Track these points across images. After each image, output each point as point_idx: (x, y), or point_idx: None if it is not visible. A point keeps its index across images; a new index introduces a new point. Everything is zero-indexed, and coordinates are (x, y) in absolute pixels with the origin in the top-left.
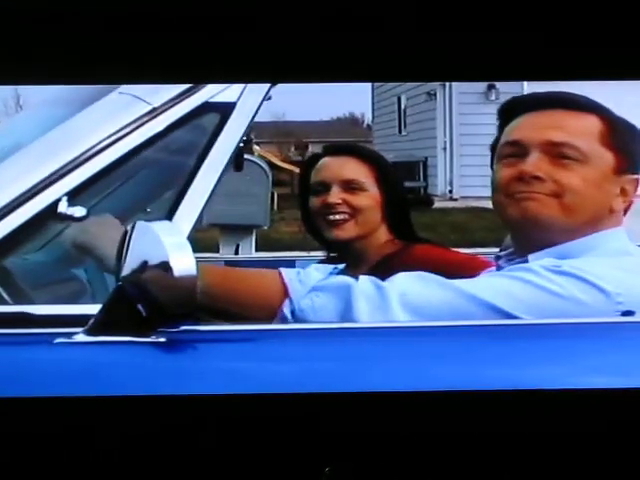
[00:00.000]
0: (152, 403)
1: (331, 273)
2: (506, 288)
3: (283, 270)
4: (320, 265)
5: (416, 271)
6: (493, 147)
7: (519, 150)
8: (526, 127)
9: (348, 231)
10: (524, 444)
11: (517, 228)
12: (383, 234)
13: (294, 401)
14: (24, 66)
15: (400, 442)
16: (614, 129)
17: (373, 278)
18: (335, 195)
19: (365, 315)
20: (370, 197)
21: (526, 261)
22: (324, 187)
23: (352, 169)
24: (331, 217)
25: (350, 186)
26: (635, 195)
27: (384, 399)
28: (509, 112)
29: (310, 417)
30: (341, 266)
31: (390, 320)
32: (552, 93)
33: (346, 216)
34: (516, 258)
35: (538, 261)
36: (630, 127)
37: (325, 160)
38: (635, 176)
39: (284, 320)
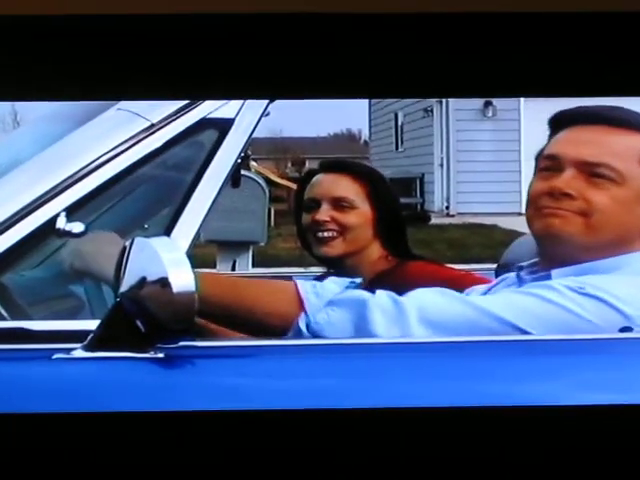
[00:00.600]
0: (150, 419)
1: (348, 287)
2: (527, 306)
3: (299, 282)
4: (338, 278)
5: (418, 287)
6: (537, 157)
7: (555, 165)
8: (565, 142)
9: (336, 248)
10: (527, 461)
11: (541, 243)
12: (376, 251)
13: (290, 417)
14: (24, 82)
15: (399, 458)
16: None
17: (390, 292)
18: (324, 212)
19: (382, 328)
20: (360, 215)
21: (549, 275)
22: (315, 204)
23: (343, 186)
24: (320, 234)
25: (339, 204)
26: None
27: (382, 415)
28: (556, 124)
29: (304, 434)
30: (358, 280)
31: (406, 334)
32: (600, 107)
33: (334, 233)
34: (539, 270)
35: (561, 279)
36: None
37: (318, 177)
38: None
39: (299, 333)
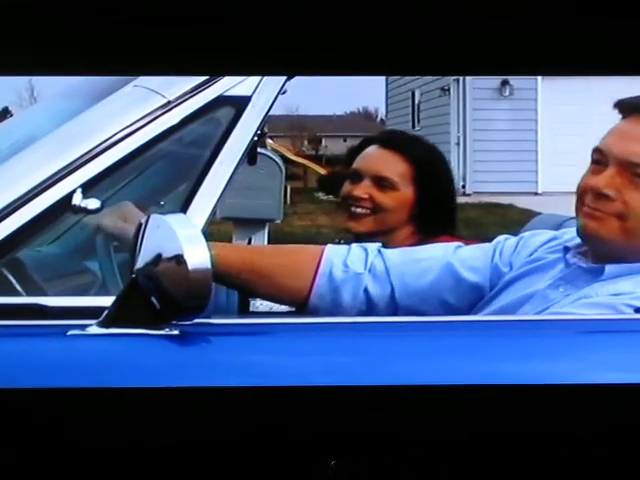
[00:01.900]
0: (162, 395)
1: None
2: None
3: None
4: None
5: None
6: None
7: (602, 159)
8: (616, 135)
9: (364, 225)
10: (533, 439)
11: (582, 239)
12: (405, 231)
13: (301, 394)
14: (42, 56)
15: (405, 436)
16: None
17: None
18: (363, 188)
19: None
20: (398, 198)
21: (602, 269)
22: (358, 177)
23: (390, 166)
24: (352, 208)
25: (381, 183)
26: None
27: (392, 392)
28: (620, 111)
29: (317, 410)
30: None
31: None
32: None
33: (367, 211)
34: (589, 259)
35: (622, 295)
36: None
37: (371, 149)
38: None
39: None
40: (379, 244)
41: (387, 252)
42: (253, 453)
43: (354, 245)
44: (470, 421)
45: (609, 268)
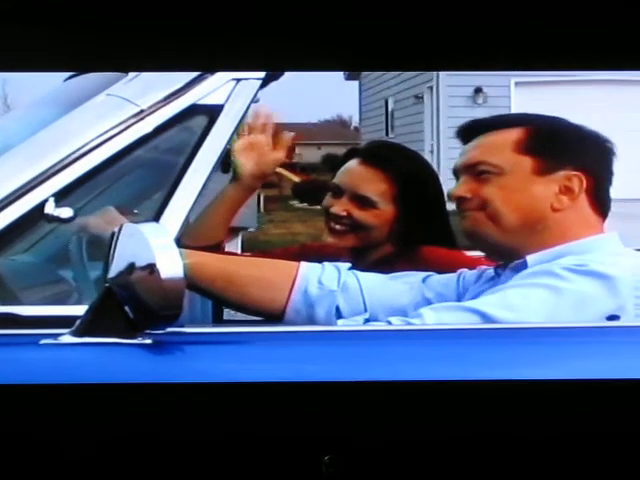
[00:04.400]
0: (150, 390)
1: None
2: (530, 299)
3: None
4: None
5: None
6: None
7: (456, 175)
8: (460, 155)
9: (345, 241)
10: (517, 434)
11: (471, 243)
12: (389, 245)
13: (294, 390)
14: (22, 53)
15: (398, 431)
16: (530, 136)
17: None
18: (342, 205)
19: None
20: (379, 216)
21: (525, 263)
22: (338, 191)
23: (371, 184)
24: (332, 224)
25: (361, 201)
26: (582, 189)
27: (384, 389)
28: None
29: (309, 406)
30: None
31: None
32: (481, 120)
33: (347, 228)
34: (517, 262)
35: (559, 261)
36: (551, 129)
37: (352, 164)
38: (572, 172)
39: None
40: (349, 264)
41: (359, 273)
42: (246, 449)
43: (327, 264)
44: (462, 417)
45: (530, 258)
